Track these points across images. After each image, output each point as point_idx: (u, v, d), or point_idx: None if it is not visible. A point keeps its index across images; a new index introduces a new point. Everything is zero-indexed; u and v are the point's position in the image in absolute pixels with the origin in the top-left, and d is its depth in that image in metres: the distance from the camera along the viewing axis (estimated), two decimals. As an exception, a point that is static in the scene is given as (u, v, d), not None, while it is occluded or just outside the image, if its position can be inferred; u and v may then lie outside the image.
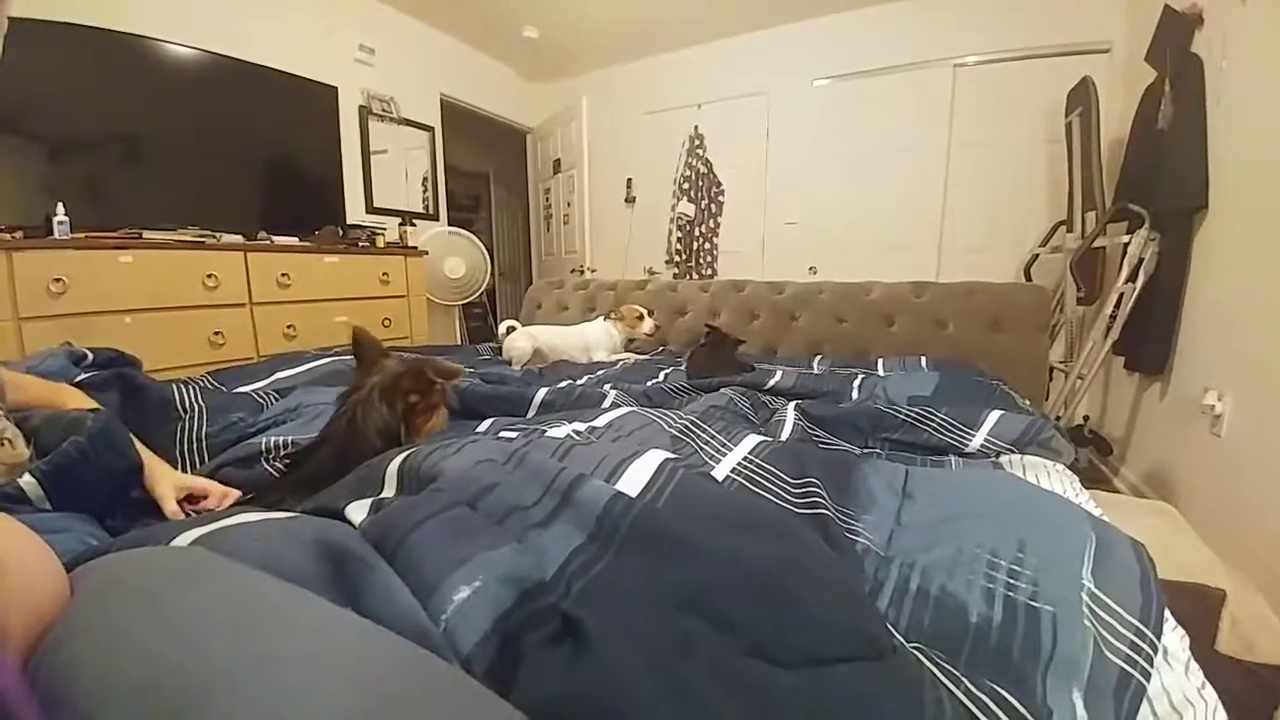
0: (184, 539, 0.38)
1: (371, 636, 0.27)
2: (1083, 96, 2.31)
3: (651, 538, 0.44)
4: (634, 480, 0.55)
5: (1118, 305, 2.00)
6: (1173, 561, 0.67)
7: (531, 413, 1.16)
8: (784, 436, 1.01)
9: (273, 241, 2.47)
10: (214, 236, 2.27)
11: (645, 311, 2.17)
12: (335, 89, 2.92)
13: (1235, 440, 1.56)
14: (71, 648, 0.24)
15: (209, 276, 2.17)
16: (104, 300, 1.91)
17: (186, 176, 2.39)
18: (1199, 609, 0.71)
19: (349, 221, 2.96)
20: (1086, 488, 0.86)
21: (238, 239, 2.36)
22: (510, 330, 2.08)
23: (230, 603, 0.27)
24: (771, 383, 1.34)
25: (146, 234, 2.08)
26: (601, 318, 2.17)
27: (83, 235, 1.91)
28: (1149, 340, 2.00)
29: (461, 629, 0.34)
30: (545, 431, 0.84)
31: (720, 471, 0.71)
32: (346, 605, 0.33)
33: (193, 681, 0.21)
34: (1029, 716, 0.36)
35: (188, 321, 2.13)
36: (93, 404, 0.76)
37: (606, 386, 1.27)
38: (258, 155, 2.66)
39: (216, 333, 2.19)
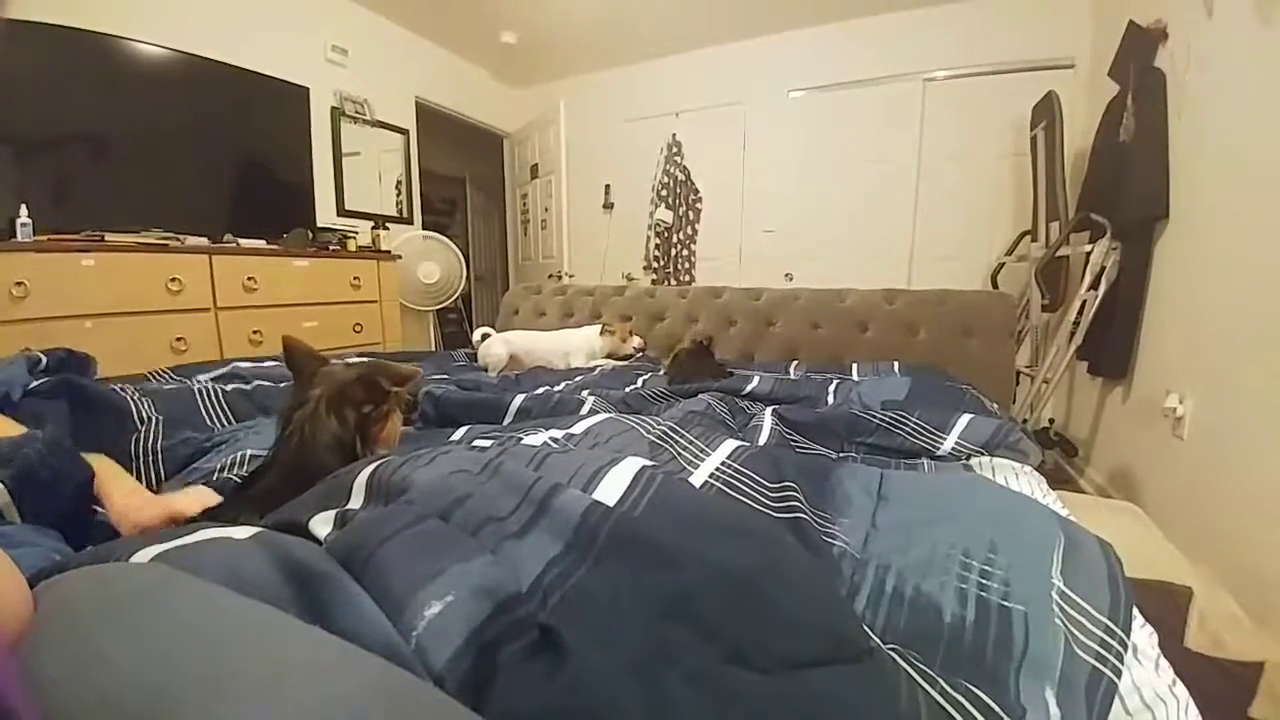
0: (144, 555, 0.37)
1: (339, 652, 0.27)
2: (1047, 111, 2.39)
3: (629, 546, 0.44)
4: (611, 489, 0.55)
5: (1081, 312, 2.07)
6: (1139, 560, 0.69)
7: (508, 419, 1.14)
8: (762, 441, 1.01)
9: (239, 244, 2.40)
10: (178, 239, 2.20)
11: (640, 337, 2.17)
12: (306, 90, 2.87)
13: (1197, 442, 1.61)
14: (36, 663, 0.24)
15: (172, 280, 2.10)
16: (66, 305, 1.85)
17: (151, 177, 2.32)
18: (1167, 607, 0.73)
19: (319, 224, 2.91)
20: (1053, 488, 0.88)
21: (203, 241, 2.29)
22: (485, 336, 2.06)
23: (193, 619, 0.26)
24: (749, 388, 1.34)
25: (109, 236, 2.01)
26: (597, 329, 2.12)
27: (45, 238, 1.85)
28: (1111, 345, 2.07)
29: (434, 645, 0.33)
30: (521, 439, 0.83)
31: (698, 477, 0.71)
32: (313, 624, 0.32)
33: (157, 698, 0.21)
34: (1003, 715, 0.37)
35: (150, 326, 2.06)
36: (20, 429, 0.70)
37: (584, 393, 1.26)
38: (225, 156, 2.59)
39: (179, 338, 2.12)
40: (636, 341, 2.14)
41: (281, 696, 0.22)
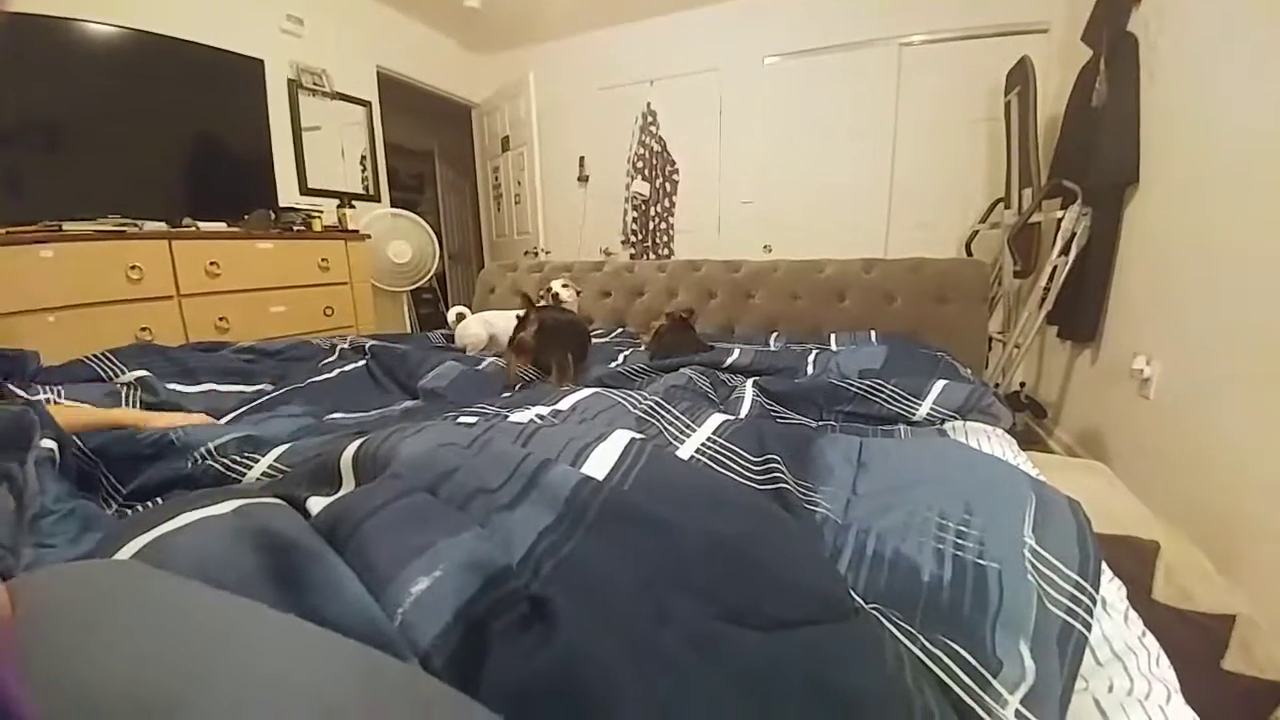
0: (127, 551, 0.36)
1: (314, 642, 0.26)
2: (1021, 76, 2.39)
3: (622, 516, 0.44)
4: (601, 463, 0.55)
5: (1051, 277, 2.11)
6: (1107, 516, 0.71)
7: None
8: (743, 413, 1.02)
9: (199, 228, 2.31)
10: (135, 225, 2.11)
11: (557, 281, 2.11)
12: (261, 62, 2.73)
13: (1162, 401, 1.66)
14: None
15: (132, 268, 2.02)
16: (26, 299, 1.79)
17: (105, 162, 2.23)
18: (1134, 561, 0.76)
19: (282, 204, 2.80)
20: (1023, 449, 0.90)
21: (161, 226, 2.20)
22: (460, 316, 2.02)
23: (160, 622, 0.26)
24: (730, 360, 1.35)
25: (66, 226, 1.93)
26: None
27: (3, 230, 1.78)
28: (1081, 309, 2.12)
29: (420, 622, 0.33)
30: (508, 416, 0.82)
31: (685, 452, 0.72)
32: (291, 605, 0.32)
33: (128, 702, 0.21)
34: (980, 668, 0.38)
35: (112, 317, 1.99)
36: None
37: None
38: (179, 136, 2.48)
39: (143, 328, 2.05)
40: (556, 288, 2.09)
41: (253, 696, 0.22)
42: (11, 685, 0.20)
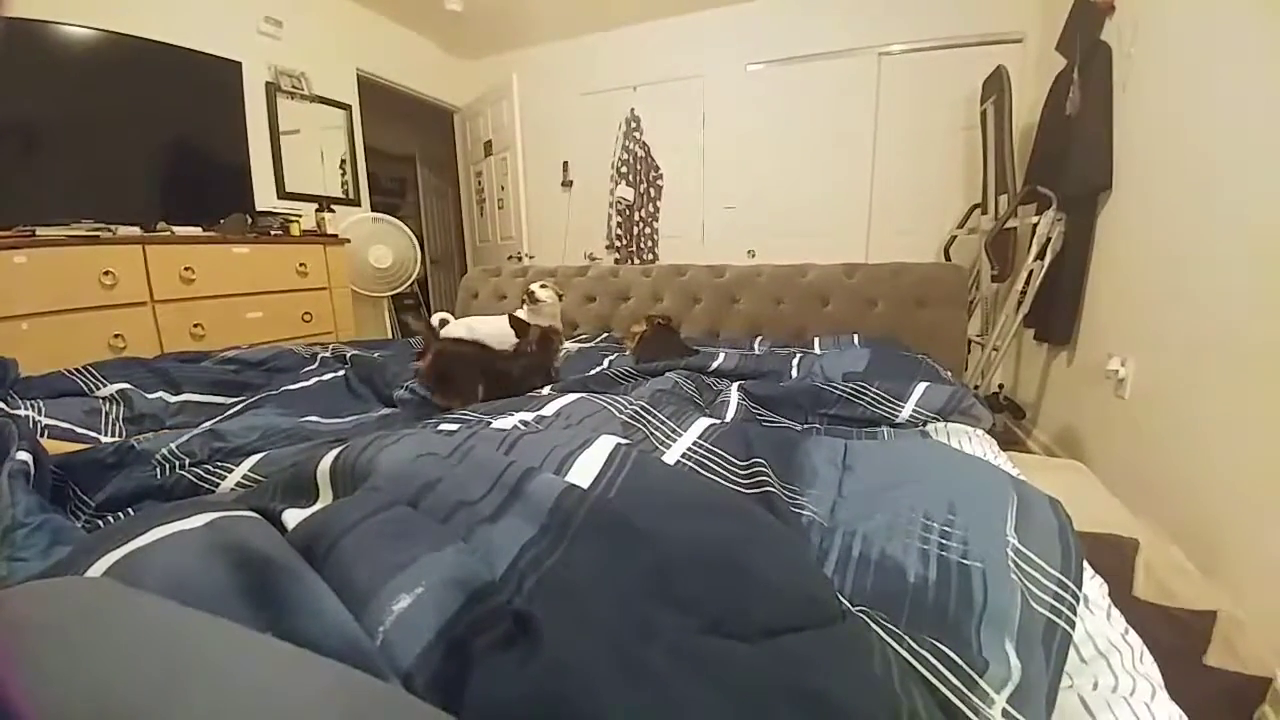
0: (98, 567, 0.35)
1: (289, 663, 0.26)
2: (997, 85, 2.44)
3: (606, 526, 0.43)
4: (585, 470, 0.54)
5: (1028, 281, 2.15)
6: (1086, 515, 0.72)
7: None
8: (729, 417, 1.02)
9: (173, 232, 2.26)
10: (109, 230, 2.06)
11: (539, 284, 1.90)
12: (239, 64, 2.69)
13: (1138, 401, 1.70)
14: None
15: (105, 274, 1.97)
16: (1, 306, 1.75)
17: (78, 166, 2.18)
18: (1114, 558, 0.77)
19: (259, 208, 2.75)
20: (1003, 449, 0.92)
21: (135, 231, 2.15)
22: (444, 322, 1.99)
23: (134, 641, 0.25)
24: (715, 365, 1.35)
25: (40, 231, 1.88)
26: (523, 311, 1.88)
27: (-24, 236, 1.74)
28: (1056, 312, 2.16)
29: (401, 641, 0.32)
30: (490, 423, 0.81)
31: (671, 456, 0.71)
32: (267, 623, 0.31)
33: None
34: (967, 668, 0.38)
35: (86, 324, 1.94)
36: None
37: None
38: (154, 139, 2.43)
39: (117, 335, 2.00)
40: (537, 291, 1.88)
41: (229, 716, 0.21)
42: (9, 685, 0.20)
